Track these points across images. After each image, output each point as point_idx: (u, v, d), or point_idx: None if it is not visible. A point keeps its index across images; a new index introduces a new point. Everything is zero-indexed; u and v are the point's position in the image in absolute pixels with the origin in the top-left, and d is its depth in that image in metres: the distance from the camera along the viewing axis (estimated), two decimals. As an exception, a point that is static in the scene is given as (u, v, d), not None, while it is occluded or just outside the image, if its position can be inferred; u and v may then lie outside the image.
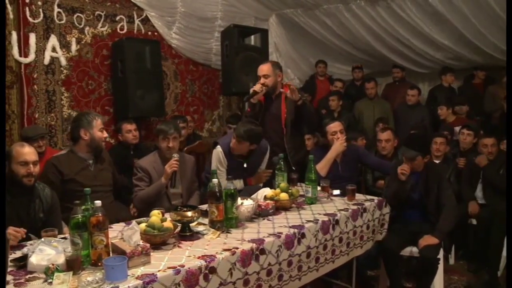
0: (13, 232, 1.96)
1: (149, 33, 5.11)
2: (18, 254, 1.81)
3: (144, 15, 5.04)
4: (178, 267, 1.67)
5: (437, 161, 3.82)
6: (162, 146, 2.93)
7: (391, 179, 3.04)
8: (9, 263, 1.64)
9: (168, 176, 2.86)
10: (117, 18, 4.86)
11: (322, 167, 3.25)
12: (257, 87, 3.35)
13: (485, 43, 4.89)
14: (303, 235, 2.21)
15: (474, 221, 3.53)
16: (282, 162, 2.82)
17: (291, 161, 3.43)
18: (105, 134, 2.88)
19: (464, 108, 4.97)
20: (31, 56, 4.18)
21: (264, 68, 3.46)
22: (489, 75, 5.56)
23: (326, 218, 2.39)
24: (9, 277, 1.59)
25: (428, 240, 2.75)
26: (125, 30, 4.90)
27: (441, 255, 2.78)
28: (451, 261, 3.67)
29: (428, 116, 5.22)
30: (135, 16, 4.99)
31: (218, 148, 3.11)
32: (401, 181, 2.87)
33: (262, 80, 3.43)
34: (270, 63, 3.56)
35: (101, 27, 4.72)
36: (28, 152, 2.27)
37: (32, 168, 2.25)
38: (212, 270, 1.76)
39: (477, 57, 5.24)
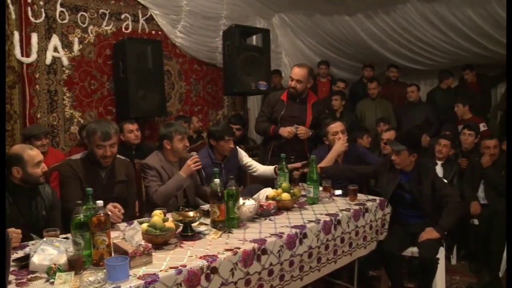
0: (15, 235, 1.96)
1: (153, 32, 5.11)
2: (20, 254, 1.82)
3: (149, 14, 5.04)
4: (180, 267, 1.67)
5: (439, 162, 3.82)
6: (179, 147, 2.87)
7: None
8: (11, 263, 1.65)
9: (190, 173, 2.78)
10: (122, 16, 4.86)
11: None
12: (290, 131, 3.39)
13: (491, 43, 4.85)
14: (304, 235, 2.21)
15: (476, 221, 3.52)
16: (284, 163, 2.82)
17: None
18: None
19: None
20: (33, 56, 4.19)
21: (300, 74, 3.39)
22: (480, 72, 5.52)
23: (328, 218, 2.39)
24: (11, 277, 1.59)
25: (430, 233, 2.75)
26: (129, 29, 4.90)
27: (441, 255, 2.77)
28: (453, 261, 3.67)
29: (434, 115, 5.19)
30: (140, 15, 4.99)
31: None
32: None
33: (293, 83, 3.40)
34: (307, 69, 3.45)
35: (105, 26, 4.72)
36: (38, 153, 2.34)
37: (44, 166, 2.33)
38: (214, 270, 1.76)
39: (486, 54, 5.18)
